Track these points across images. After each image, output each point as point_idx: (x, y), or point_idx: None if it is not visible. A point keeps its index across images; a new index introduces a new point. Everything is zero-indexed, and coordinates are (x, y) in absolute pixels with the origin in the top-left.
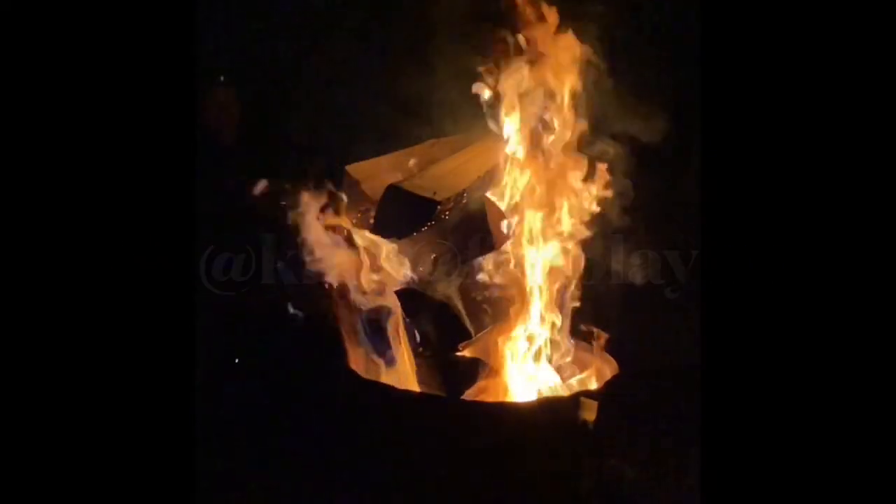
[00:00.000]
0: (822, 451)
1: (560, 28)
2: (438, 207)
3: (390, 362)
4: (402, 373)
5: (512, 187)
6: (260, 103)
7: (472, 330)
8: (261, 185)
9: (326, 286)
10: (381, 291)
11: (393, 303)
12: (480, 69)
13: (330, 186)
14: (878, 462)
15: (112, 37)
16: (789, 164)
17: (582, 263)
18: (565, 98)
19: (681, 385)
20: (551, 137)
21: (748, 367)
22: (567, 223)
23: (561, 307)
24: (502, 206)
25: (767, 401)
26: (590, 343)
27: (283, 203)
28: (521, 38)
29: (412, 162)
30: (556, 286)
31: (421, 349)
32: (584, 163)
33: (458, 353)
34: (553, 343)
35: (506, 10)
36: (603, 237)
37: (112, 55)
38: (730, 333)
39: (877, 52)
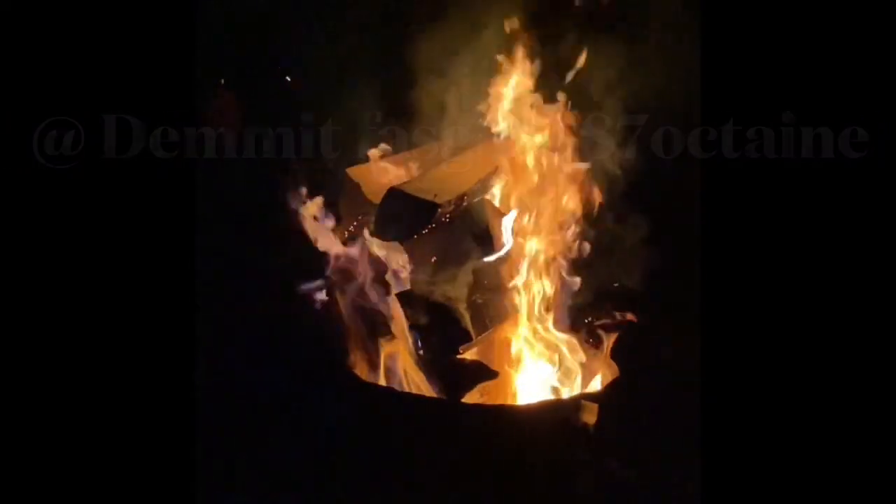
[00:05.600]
0: (823, 451)
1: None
2: (439, 210)
3: (390, 364)
4: (403, 375)
5: (512, 189)
6: (260, 104)
7: (472, 332)
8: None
9: (328, 288)
10: (382, 293)
11: (394, 305)
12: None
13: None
14: (877, 462)
15: (112, 37)
16: (790, 164)
17: (582, 265)
18: (563, 99)
19: (681, 385)
20: (550, 138)
21: (748, 367)
22: (567, 224)
23: (561, 308)
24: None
25: (767, 401)
26: (590, 345)
27: (285, 203)
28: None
29: (413, 164)
30: (557, 288)
31: (421, 351)
32: (584, 163)
33: (459, 356)
34: (553, 345)
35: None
36: (603, 237)
37: (112, 56)
38: (730, 333)
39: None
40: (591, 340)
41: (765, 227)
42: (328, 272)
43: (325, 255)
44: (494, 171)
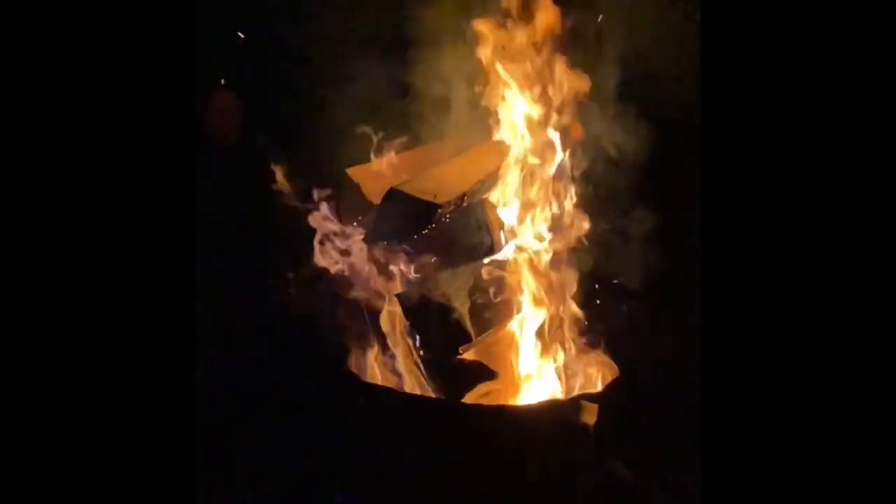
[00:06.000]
0: (823, 452)
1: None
2: (439, 210)
3: (390, 365)
4: (403, 375)
5: (511, 189)
6: (260, 104)
7: (472, 333)
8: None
9: (327, 287)
10: (382, 293)
11: (394, 305)
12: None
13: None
14: (878, 462)
15: (112, 37)
16: (790, 162)
17: (582, 265)
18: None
19: (681, 385)
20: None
21: (748, 367)
22: (567, 224)
23: (562, 309)
24: (502, 208)
25: (768, 401)
26: (590, 345)
27: (286, 205)
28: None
29: (413, 165)
30: (557, 288)
31: (421, 352)
32: (584, 162)
33: (459, 356)
34: (553, 345)
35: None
36: (603, 237)
37: (112, 56)
38: (730, 333)
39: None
40: (588, 339)
41: (766, 225)
42: (329, 272)
43: (326, 254)
44: (496, 171)
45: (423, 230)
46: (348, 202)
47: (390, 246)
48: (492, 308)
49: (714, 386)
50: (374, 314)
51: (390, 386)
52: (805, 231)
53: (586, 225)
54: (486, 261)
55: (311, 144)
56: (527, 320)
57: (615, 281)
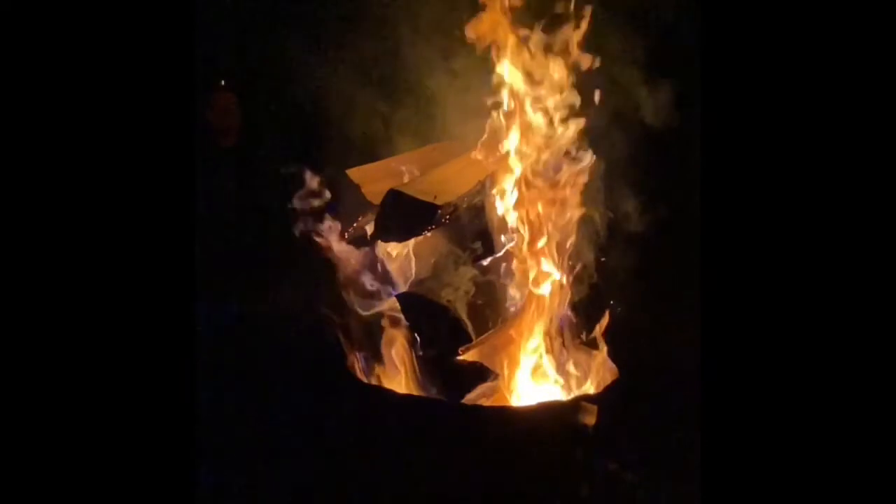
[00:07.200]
0: (823, 452)
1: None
2: (439, 211)
3: (390, 366)
4: (403, 376)
5: (511, 189)
6: (260, 105)
7: (472, 334)
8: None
9: (327, 289)
10: (381, 295)
11: (393, 306)
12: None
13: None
14: (878, 462)
15: (112, 37)
16: (791, 162)
17: (583, 265)
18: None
19: (680, 386)
20: (549, 137)
21: (748, 367)
22: (566, 224)
23: (562, 310)
24: (502, 208)
25: (768, 401)
26: (590, 345)
27: (285, 205)
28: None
29: (413, 166)
30: (557, 289)
31: (421, 353)
32: (583, 161)
33: (459, 357)
34: (553, 347)
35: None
36: (603, 236)
37: (112, 56)
38: (730, 332)
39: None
40: (588, 341)
41: (767, 225)
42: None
43: (326, 255)
44: (495, 172)
45: (423, 231)
46: (348, 203)
47: (389, 247)
48: (491, 309)
49: (714, 386)
50: (375, 316)
51: (391, 387)
52: (806, 230)
53: (585, 224)
54: (486, 261)
55: (312, 144)
56: (526, 321)
57: (615, 281)
